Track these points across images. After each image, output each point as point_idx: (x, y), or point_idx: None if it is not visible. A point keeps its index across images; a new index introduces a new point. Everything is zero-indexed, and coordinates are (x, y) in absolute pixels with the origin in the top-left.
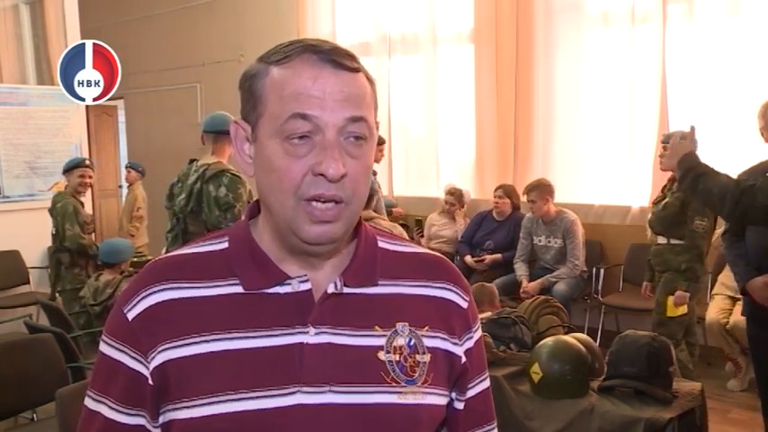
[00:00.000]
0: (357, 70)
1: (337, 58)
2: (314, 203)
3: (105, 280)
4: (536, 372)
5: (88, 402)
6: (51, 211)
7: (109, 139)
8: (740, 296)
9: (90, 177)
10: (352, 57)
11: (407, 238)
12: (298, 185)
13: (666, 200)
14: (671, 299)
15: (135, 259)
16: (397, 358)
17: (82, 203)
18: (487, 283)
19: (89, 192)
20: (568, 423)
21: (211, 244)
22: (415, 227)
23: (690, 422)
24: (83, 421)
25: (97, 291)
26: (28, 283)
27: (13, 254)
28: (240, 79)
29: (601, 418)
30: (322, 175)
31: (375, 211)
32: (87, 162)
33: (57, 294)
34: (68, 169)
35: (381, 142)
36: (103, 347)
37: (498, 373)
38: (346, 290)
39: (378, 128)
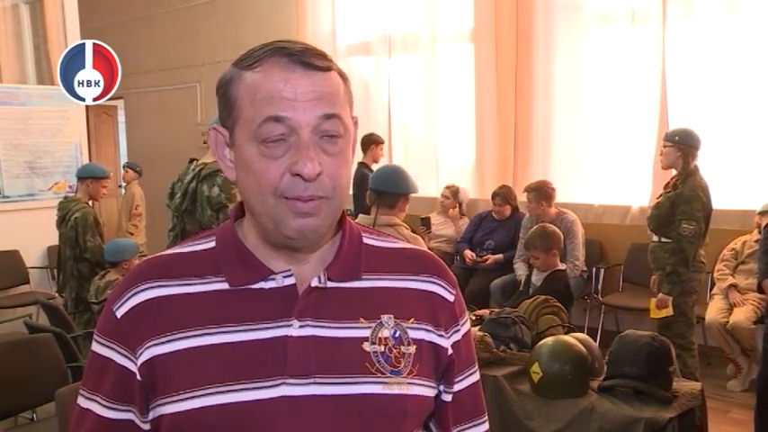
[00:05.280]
0: (329, 69)
1: (307, 59)
2: (295, 201)
3: (107, 280)
4: (536, 371)
5: (80, 400)
6: (63, 218)
7: (109, 139)
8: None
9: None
10: (322, 55)
11: (428, 249)
12: (276, 186)
13: (660, 199)
14: (653, 301)
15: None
16: (382, 349)
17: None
18: (488, 282)
19: None
20: (568, 423)
21: (199, 243)
22: (421, 224)
23: (690, 422)
24: (75, 419)
25: (98, 290)
26: (28, 283)
27: (13, 254)
28: (216, 85)
29: (601, 418)
30: (298, 175)
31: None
32: (111, 174)
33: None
34: (92, 177)
35: (380, 142)
36: (94, 346)
37: (498, 372)
38: (330, 284)
39: (356, 123)
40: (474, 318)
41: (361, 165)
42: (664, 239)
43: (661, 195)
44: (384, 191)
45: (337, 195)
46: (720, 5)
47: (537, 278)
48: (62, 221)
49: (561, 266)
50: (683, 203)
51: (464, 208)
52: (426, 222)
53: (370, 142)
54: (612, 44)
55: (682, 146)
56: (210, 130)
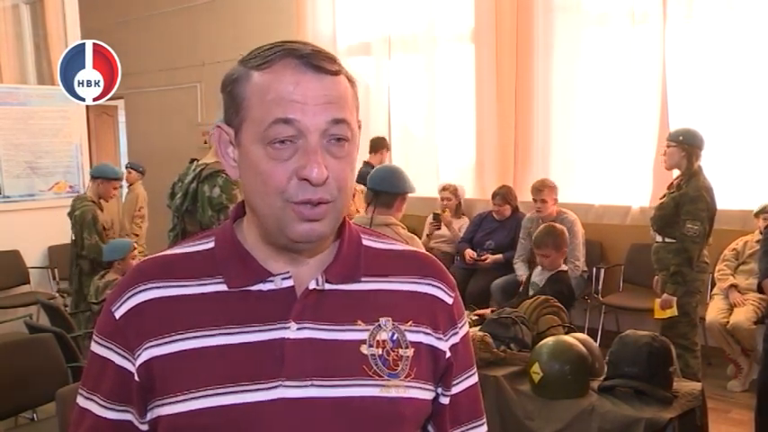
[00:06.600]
0: (338, 73)
1: (317, 62)
2: (303, 205)
3: (106, 280)
4: (536, 372)
5: (79, 400)
6: (70, 215)
7: (109, 139)
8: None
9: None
10: (332, 59)
11: (423, 248)
12: (283, 189)
13: (663, 199)
14: (657, 301)
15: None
16: (380, 352)
17: (101, 208)
18: (488, 282)
19: None
20: (569, 423)
21: (198, 244)
22: (432, 220)
23: (690, 422)
24: (74, 419)
25: (98, 290)
26: (28, 282)
27: (13, 254)
28: (222, 82)
29: (601, 418)
30: (306, 179)
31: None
32: (123, 175)
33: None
34: (102, 178)
35: (388, 148)
36: (93, 346)
37: (498, 372)
38: (328, 286)
39: (360, 127)
40: (475, 317)
41: (366, 164)
42: (668, 240)
43: (665, 196)
44: (381, 190)
45: (342, 198)
46: (721, 5)
47: (539, 278)
48: (71, 220)
49: (563, 267)
50: (687, 203)
51: (462, 207)
52: (438, 218)
53: (382, 146)
54: (613, 44)
55: (686, 146)
56: (215, 127)
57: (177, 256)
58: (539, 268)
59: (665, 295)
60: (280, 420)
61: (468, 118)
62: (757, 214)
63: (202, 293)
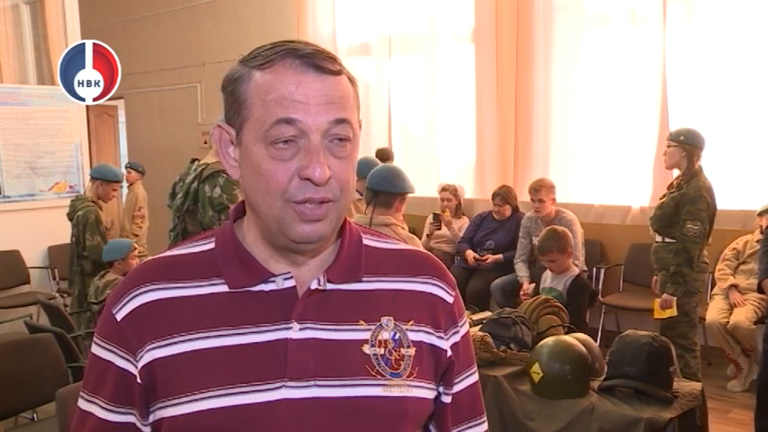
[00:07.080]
0: (339, 72)
1: (319, 62)
2: (304, 204)
3: (106, 280)
4: (536, 372)
5: (81, 403)
6: (70, 216)
7: (109, 139)
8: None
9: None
10: (333, 59)
11: (422, 248)
12: (285, 189)
13: (663, 199)
14: (657, 301)
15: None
16: (382, 352)
17: (101, 208)
18: (488, 282)
19: None
20: (569, 423)
21: (199, 245)
22: (432, 220)
23: (690, 422)
24: (76, 422)
25: (98, 290)
26: (28, 282)
27: (13, 254)
28: (222, 82)
29: (601, 418)
30: (308, 179)
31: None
32: (123, 177)
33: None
34: (105, 180)
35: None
36: (94, 348)
37: (499, 372)
38: (330, 286)
39: (360, 127)
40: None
41: None
42: (668, 240)
43: (665, 196)
44: (381, 190)
45: (344, 198)
46: (721, 5)
47: (555, 282)
48: (71, 219)
49: (575, 270)
50: (687, 203)
51: (462, 207)
52: (438, 218)
53: (389, 158)
54: (613, 44)
55: (687, 146)
56: (215, 127)
57: (178, 258)
58: (549, 272)
59: (664, 295)
60: (283, 421)
61: (468, 118)
62: (761, 213)
63: (203, 294)
